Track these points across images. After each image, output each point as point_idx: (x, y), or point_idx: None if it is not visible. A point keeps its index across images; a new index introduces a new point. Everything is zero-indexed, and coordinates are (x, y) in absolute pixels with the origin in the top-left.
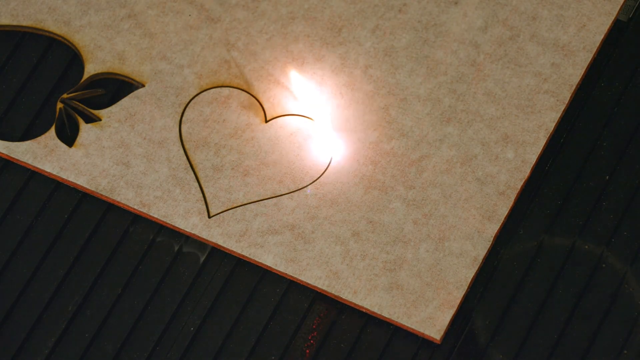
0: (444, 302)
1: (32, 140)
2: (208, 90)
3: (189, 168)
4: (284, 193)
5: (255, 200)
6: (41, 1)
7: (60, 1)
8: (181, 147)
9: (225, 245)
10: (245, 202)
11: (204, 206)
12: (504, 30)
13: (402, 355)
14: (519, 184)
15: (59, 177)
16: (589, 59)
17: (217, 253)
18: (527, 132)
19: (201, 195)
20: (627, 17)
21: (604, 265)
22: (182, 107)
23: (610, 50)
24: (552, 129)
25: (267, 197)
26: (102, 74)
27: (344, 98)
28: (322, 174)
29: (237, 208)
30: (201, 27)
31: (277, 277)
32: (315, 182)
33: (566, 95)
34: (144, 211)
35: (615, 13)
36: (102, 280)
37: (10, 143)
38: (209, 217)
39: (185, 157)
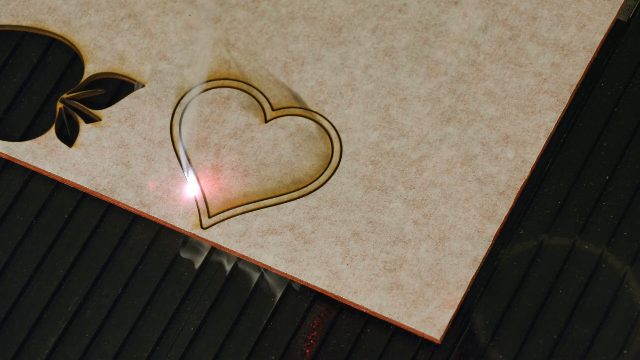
0: (444, 302)
1: (32, 140)
2: (208, 91)
3: (189, 168)
4: (283, 193)
5: (255, 200)
6: (41, 1)
7: (60, 1)
8: (181, 147)
9: (225, 245)
10: (245, 202)
11: (204, 206)
12: (504, 30)
13: (402, 355)
14: (519, 184)
15: (59, 177)
16: (589, 59)
17: (217, 253)
18: (527, 132)
19: (201, 195)
20: (627, 17)
21: (604, 265)
22: (182, 107)
23: (610, 50)
24: (552, 129)
25: (267, 197)
26: (102, 74)
27: (344, 98)
28: (322, 173)
29: (237, 208)
30: (201, 27)
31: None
32: (315, 182)
33: (566, 95)
34: (144, 211)
35: (615, 13)
36: (102, 280)
37: (10, 143)
38: (209, 217)
39: (185, 158)
